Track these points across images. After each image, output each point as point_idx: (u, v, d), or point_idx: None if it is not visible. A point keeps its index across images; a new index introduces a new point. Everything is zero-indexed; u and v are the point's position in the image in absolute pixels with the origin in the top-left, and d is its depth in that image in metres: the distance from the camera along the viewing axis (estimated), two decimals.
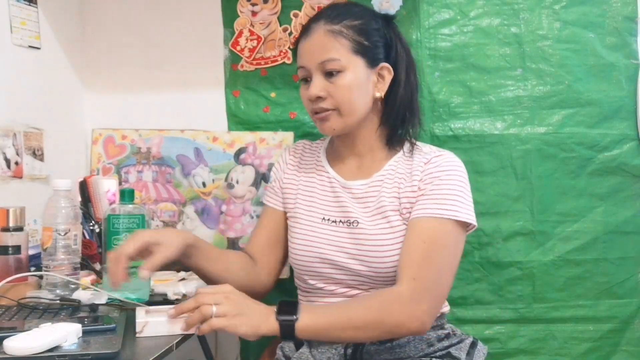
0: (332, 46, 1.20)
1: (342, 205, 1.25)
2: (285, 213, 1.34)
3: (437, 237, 1.15)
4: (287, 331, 1.02)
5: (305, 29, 1.25)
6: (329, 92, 1.21)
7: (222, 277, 1.20)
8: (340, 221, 1.24)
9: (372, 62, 1.23)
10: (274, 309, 1.04)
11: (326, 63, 1.20)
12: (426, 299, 1.11)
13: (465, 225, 1.19)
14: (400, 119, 1.26)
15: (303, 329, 1.03)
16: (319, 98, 1.21)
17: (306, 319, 1.03)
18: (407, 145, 1.27)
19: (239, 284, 1.09)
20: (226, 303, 0.99)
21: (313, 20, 1.25)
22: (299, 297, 1.33)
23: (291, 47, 1.68)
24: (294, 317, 1.02)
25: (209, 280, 1.22)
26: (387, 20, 1.28)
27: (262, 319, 1.02)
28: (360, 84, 1.21)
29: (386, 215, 1.20)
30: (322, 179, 1.31)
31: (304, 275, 1.28)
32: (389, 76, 1.24)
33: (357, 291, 1.23)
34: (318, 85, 1.21)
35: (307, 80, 1.25)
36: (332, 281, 1.24)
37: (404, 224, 1.19)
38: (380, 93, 1.24)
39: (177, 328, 0.99)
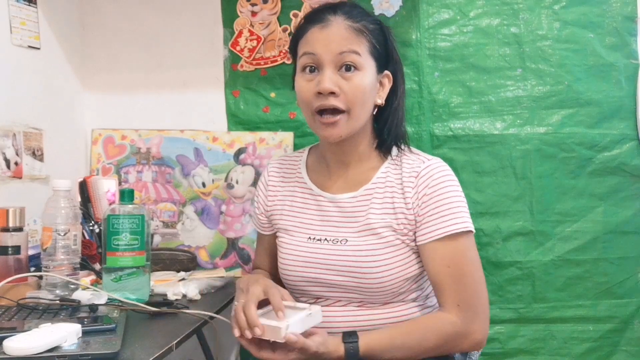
0: (354, 41, 1.15)
1: (330, 222, 1.22)
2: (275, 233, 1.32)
3: (458, 256, 1.15)
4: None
5: (319, 18, 1.17)
6: (342, 89, 1.13)
7: None
8: (326, 239, 1.20)
9: (379, 68, 1.20)
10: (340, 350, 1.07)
11: (347, 55, 1.13)
12: (476, 318, 1.14)
13: (471, 232, 1.18)
14: (391, 128, 1.23)
15: None
16: (332, 94, 1.13)
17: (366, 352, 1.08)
18: (394, 151, 1.24)
19: None
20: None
21: (328, 12, 1.17)
22: None
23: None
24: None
25: None
26: (389, 29, 1.25)
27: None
28: (372, 88, 1.18)
29: (377, 232, 1.17)
30: (305, 197, 1.27)
31: (296, 294, 1.26)
32: (388, 84, 1.22)
33: (346, 301, 1.20)
34: (332, 78, 1.13)
35: (311, 70, 1.16)
36: (323, 299, 1.22)
37: (398, 238, 1.17)
38: (380, 100, 1.21)
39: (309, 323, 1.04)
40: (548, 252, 1.61)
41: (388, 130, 1.23)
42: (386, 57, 1.22)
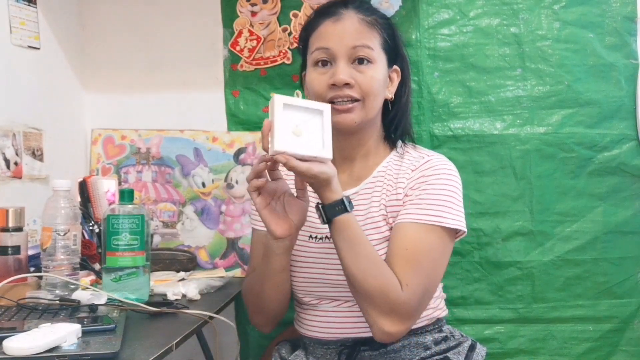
0: (367, 35, 1.17)
1: None
2: None
3: (421, 243, 1.11)
4: (339, 208, 1.06)
5: (331, 12, 1.19)
6: (356, 81, 1.15)
7: (281, 288, 1.22)
8: (327, 237, 1.18)
9: (389, 63, 1.22)
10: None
11: (360, 49, 1.16)
12: (413, 315, 1.10)
13: (453, 231, 1.15)
14: (400, 122, 1.25)
15: (344, 220, 1.06)
16: (346, 85, 1.15)
17: (349, 218, 1.07)
18: (399, 146, 1.25)
19: (283, 300, 1.22)
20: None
21: (339, 6, 1.20)
22: (297, 309, 1.30)
23: (290, 47, 1.68)
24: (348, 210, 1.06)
25: (272, 284, 1.21)
26: (395, 25, 1.27)
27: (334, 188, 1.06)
28: (384, 81, 1.20)
29: (378, 226, 1.17)
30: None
31: (298, 294, 1.26)
32: (397, 79, 1.25)
33: (353, 302, 1.17)
34: (346, 70, 1.15)
35: (324, 63, 1.18)
36: (329, 299, 1.21)
37: (389, 231, 1.16)
38: (390, 95, 1.23)
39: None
40: (548, 252, 1.61)
41: (397, 125, 1.25)
42: (395, 52, 1.24)
